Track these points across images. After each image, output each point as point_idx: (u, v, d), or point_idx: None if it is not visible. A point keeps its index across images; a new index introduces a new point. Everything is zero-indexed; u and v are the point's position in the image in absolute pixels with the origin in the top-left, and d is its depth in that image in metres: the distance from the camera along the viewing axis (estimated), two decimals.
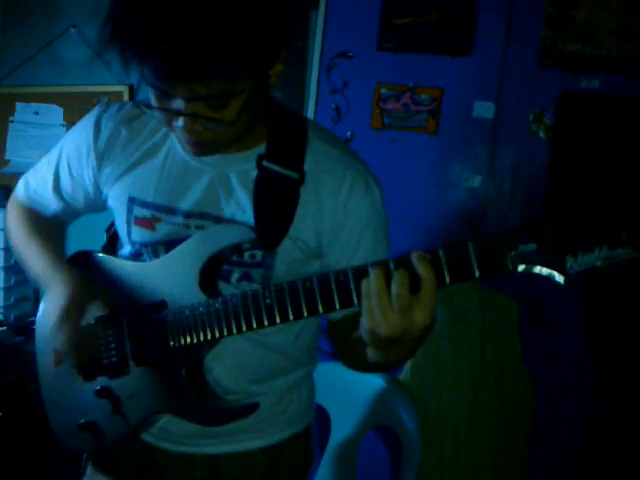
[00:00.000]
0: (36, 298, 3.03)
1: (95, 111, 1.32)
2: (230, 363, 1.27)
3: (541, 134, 2.49)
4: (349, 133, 2.64)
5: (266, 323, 1.09)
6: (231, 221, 1.20)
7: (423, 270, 0.92)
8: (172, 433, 1.31)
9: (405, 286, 0.91)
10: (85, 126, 1.31)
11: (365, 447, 2.35)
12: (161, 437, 1.32)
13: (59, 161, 1.36)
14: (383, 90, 2.62)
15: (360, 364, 1.16)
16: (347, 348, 1.20)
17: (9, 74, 2.99)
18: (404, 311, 0.92)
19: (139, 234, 1.27)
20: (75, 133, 1.34)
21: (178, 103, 1.03)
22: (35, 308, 3.04)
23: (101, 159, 1.28)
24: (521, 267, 0.91)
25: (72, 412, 1.28)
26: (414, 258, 0.93)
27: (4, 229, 1.46)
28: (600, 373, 2.44)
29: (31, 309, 2.98)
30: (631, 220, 0.87)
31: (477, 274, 0.93)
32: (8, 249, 2.80)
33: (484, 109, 2.54)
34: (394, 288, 0.92)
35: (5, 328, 2.74)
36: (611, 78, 2.40)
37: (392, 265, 0.96)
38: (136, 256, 1.31)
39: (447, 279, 0.94)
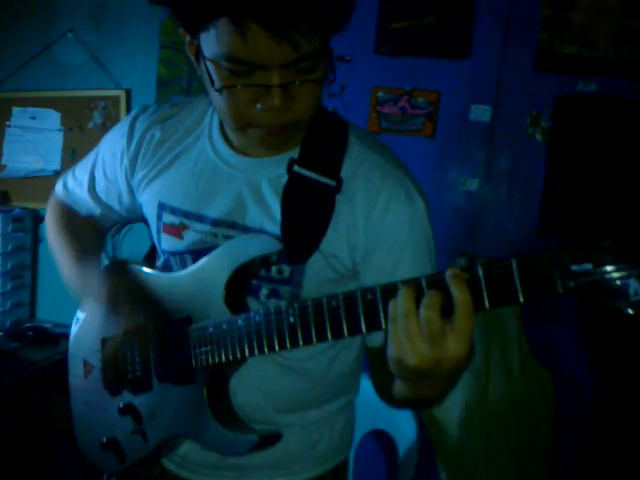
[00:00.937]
0: (32, 304, 3.02)
1: (133, 112, 1.26)
2: (255, 388, 1.18)
3: (538, 137, 2.49)
4: None
5: (288, 345, 0.98)
6: (258, 231, 1.11)
7: (458, 291, 0.79)
8: (192, 462, 1.23)
9: (435, 309, 0.79)
10: (121, 128, 1.26)
11: (361, 452, 2.33)
12: (181, 465, 1.25)
13: (95, 163, 1.31)
14: (380, 94, 2.62)
15: (391, 398, 1.05)
16: (380, 379, 1.10)
17: (6, 78, 2.99)
18: (434, 339, 0.79)
19: (167, 242, 1.21)
20: (112, 135, 1.29)
21: (274, 76, 0.93)
22: (31, 313, 3.06)
23: (134, 162, 1.23)
24: (574, 291, 0.76)
25: (97, 429, 1.24)
26: (448, 276, 0.80)
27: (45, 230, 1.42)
28: (598, 374, 2.43)
29: (27, 315, 2.98)
30: None
31: (521, 299, 0.78)
32: (4, 254, 2.80)
33: (481, 112, 2.53)
34: (422, 311, 0.80)
35: (1, 334, 2.73)
36: (608, 81, 2.40)
37: (424, 284, 0.83)
38: (166, 267, 1.24)
39: (487, 303, 0.80)
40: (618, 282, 0.74)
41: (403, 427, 2.12)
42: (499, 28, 2.51)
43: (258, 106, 0.97)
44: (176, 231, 1.18)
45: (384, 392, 1.09)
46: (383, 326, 0.88)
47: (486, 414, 2.39)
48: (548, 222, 2.48)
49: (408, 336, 0.81)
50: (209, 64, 0.97)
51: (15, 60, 2.98)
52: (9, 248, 2.83)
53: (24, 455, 2.42)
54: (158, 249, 1.26)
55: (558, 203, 2.45)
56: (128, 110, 2.90)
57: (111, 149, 1.27)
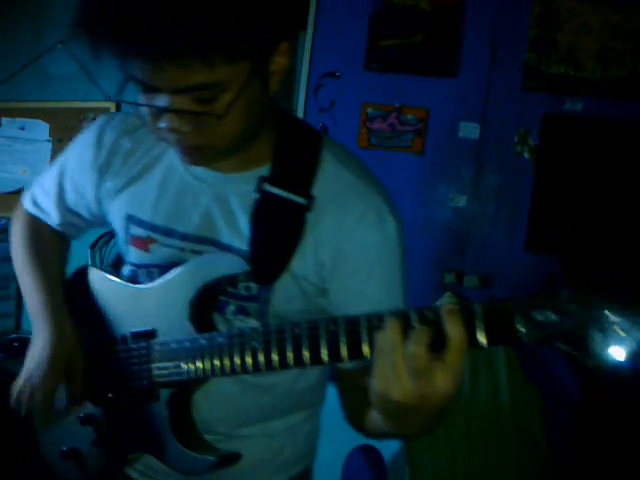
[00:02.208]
0: (17, 315, 2.99)
1: (99, 121, 1.22)
2: (219, 404, 1.16)
3: (525, 155, 2.52)
4: None
5: (250, 369, 0.96)
6: (227, 248, 1.08)
7: (453, 328, 0.76)
8: (155, 470, 1.21)
9: (423, 345, 0.76)
10: (87, 138, 1.22)
11: (349, 467, 2.33)
12: (145, 474, 1.24)
13: (62, 173, 1.27)
14: (370, 110, 2.64)
15: (365, 428, 1.02)
16: (353, 407, 1.07)
17: None
18: (420, 374, 0.76)
19: (135, 255, 1.18)
20: (78, 144, 1.25)
21: (163, 99, 0.91)
22: (16, 324, 3.02)
23: (102, 172, 1.19)
24: (537, 341, 0.76)
25: (58, 437, 1.22)
26: (444, 311, 0.78)
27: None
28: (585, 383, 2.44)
29: (12, 326, 2.95)
30: None
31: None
32: None
33: (469, 130, 2.56)
34: (410, 346, 0.76)
35: None
36: (594, 100, 2.44)
37: (415, 317, 0.81)
38: (132, 278, 1.21)
39: (483, 340, 0.77)
40: (582, 334, 0.74)
41: (390, 441, 2.13)
42: (487, 47, 2.55)
43: (160, 124, 0.96)
44: (143, 244, 1.16)
45: (355, 420, 1.07)
46: (345, 358, 0.86)
47: (469, 424, 2.40)
48: (535, 239, 2.51)
49: (394, 370, 0.78)
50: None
51: (4, 70, 2.97)
52: None
53: (7, 468, 2.39)
54: (125, 260, 1.24)
55: (545, 220, 2.48)
56: None
57: (78, 159, 1.23)
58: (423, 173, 2.60)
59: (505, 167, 2.55)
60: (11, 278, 2.94)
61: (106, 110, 2.88)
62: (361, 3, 2.59)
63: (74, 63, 2.89)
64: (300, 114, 2.70)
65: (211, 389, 1.12)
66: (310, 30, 2.67)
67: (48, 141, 2.95)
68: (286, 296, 1.08)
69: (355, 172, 1.09)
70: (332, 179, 1.07)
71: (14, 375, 1.33)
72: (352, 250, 1.05)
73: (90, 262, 1.41)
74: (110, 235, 1.42)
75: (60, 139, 2.94)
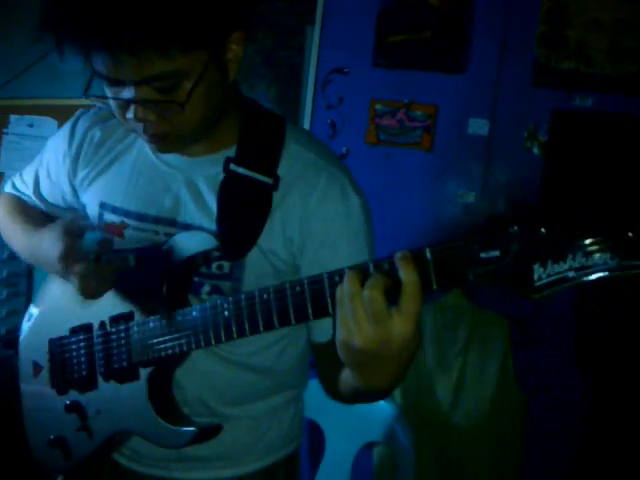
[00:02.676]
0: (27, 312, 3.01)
1: (75, 114, 1.30)
2: (201, 383, 1.21)
3: (535, 151, 2.51)
4: (344, 149, 2.64)
5: (224, 338, 1.02)
6: (198, 228, 1.14)
7: (405, 272, 0.80)
8: (142, 455, 1.26)
9: (378, 289, 0.79)
10: (63, 130, 1.29)
11: (358, 464, 2.33)
12: (132, 458, 1.28)
13: (40, 165, 1.35)
14: (378, 106, 2.63)
15: (339, 392, 1.06)
16: (328, 376, 1.11)
17: (3, 86, 2.99)
18: (378, 318, 0.79)
19: None
20: (55, 137, 1.32)
21: (128, 91, 0.98)
22: None
23: (75, 163, 1.25)
24: (482, 279, 0.79)
25: (45, 427, 1.26)
26: (397, 258, 0.81)
27: None
28: (590, 389, 2.44)
29: (22, 323, 2.96)
30: (612, 226, 0.75)
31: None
32: (1, 262, 2.79)
33: (479, 126, 2.55)
34: (366, 291, 0.80)
35: None
36: (604, 96, 2.42)
37: (371, 268, 0.84)
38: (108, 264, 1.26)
39: (434, 284, 0.82)
40: (523, 268, 0.77)
41: (399, 438, 2.13)
42: (496, 43, 2.53)
43: (127, 115, 1.02)
44: (117, 230, 1.20)
45: (332, 388, 1.10)
46: (310, 316, 0.91)
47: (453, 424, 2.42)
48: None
49: (354, 318, 0.81)
50: None
51: (12, 67, 2.97)
52: (4, 256, 2.81)
53: (16, 464, 2.40)
54: None
55: (555, 216, 2.47)
56: None
57: (54, 151, 1.30)
58: (432, 170, 2.59)
59: (514, 163, 2.53)
60: (21, 275, 2.95)
61: None
62: None
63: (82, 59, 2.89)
64: (308, 111, 2.69)
65: (193, 368, 1.16)
66: (318, 26, 2.66)
67: None
68: (258, 273, 1.13)
69: (318, 153, 1.16)
70: (296, 159, 1.13)
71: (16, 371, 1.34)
72: (318, 225, 1.11)
73: None
74: None
75: None
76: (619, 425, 2.40)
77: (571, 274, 0.75)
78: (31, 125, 2.98)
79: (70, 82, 2.94)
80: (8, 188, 1.43)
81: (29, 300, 3.01)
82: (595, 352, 2.43)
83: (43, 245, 1.19)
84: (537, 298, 0.77)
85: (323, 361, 1.17)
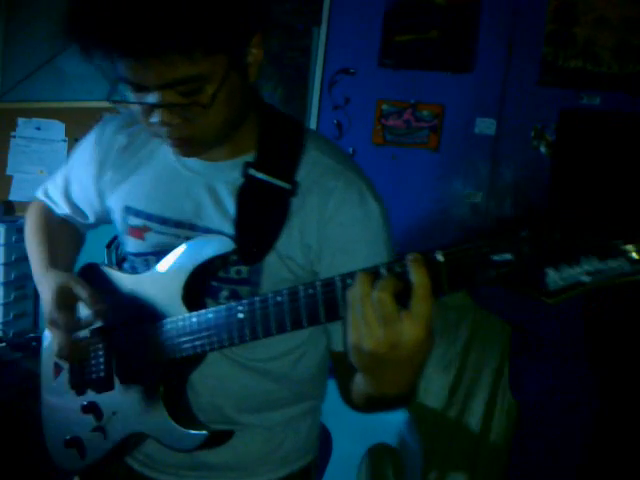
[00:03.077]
0: (35, 314, 3.02)
1: (104, 118, 1.31)
2: (217, 388, 1.20)
3: (542, 150, 2.50)
4: (351, 149, 2.64)
5: (237, 340, 1.02)
6: (217, 233, 1.14)
7: (416, 274, 0.79)
8: (155, 460, 1.26)
9: (388, 291, 0.79)
10: (91, 135, 1.30)
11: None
12: (145, 464, 1.28)
13: (70, 169, 1.36)
14: (385, 106, 2.63)
15: (353, 399, 1.05)
16: (346, 384, 1.09)
17: (11, 89, 3.00)
18: (388, 320, 0.78)
19: (132, 244, 1.24)
20: (83, 142, 1.34)
21: (152, 96, 0.98)
22: (34, 324, 3.05)
23: (101, 167, 1.27)
24: (494, 282, 0.78)
25: (61, 427, 1.27)
26: (408, 260, 0.80)
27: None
28: (603, 395, 2.43)
29: (30, 325, 2.97)
30: (627, 229, 0.73)
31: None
32: (8, 264, 2.80)
33: (485, 125, 2.54)
34: (375, 293, 0.79)
35: (4, 344, 2.72)
36: (612, 95, 2.41)
37: (383, 270, 0.84)
38: (131, 269, 1.27)
39: (445, 286, 0.81)
40: (536, 271, 0.75)
41: (407, 440, 2.12)
42: (503, 42, 2.52)
43: (151, 120, 1.02)
44: (139, 233, 1.22)
45: (349, 396, 1.09)
46: (323, 320, 0.91)
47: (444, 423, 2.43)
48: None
49: (364, 320, 0.80)
50: None
51: (20, 71, 2.99)
52: (12, 258, 2.83)
53: (25, 465, 2.41)
54: (125, 251, 1.29)
55: (562, 215, 2.46)
56: None
57: (81, 155, 1.32)
58: (439, 169, 2.58)
59: (522, 163, 2.52)
60: (29, 278, 2.96)
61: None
62: None
63: (89, 63, 2.90)
64: (314, 111, 2.69)
65: (208, 373, 1.17)
66: (324, 27, 2.66)
67: (64, 141, 2.97)
68: (276, 279, 1.12)
69: (337, 158, 1.15)
70: (315, 165, 1.13)
71: (33, 373, 1.36)
72: (336, 230, 1.10)
73: (106, 260, 1.46)
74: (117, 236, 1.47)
75: (76, 139, 2.96)
76: (627, 433, 2.39)
77: (586, 278, 0.73)
78: (38, 128, 2.99)
79: (77, 85, 2.96)
80: (41, 194, 1.44)
81: (37, 303, 3.03)
82: (605, 358, 2.42)
83: (43, 283, 1.23)
84: (551, 303, 0.75)
85: (341, 370, 1.15)
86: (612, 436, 2.42)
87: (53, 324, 1.16)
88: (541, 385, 2.49)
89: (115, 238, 1.51)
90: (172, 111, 1.00)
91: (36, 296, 3.02)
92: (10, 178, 3.02)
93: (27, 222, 1.42)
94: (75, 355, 1.17)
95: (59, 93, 2.98)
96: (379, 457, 2.26)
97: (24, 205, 3.00)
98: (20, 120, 3.00)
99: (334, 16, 2.65)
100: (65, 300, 1.16)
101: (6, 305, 2.83)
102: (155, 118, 1.01)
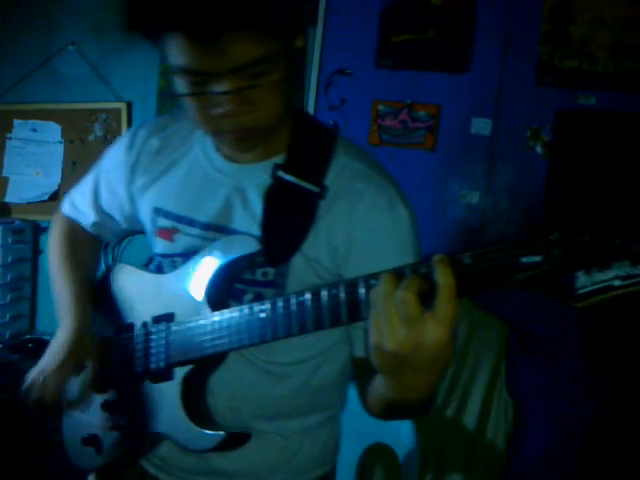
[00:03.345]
0: (32, 316, 3.01)
1: (135, 125, 1.34)
2: (235, 392, 1.19)
3: (538, 150, 2.50)
4: None
5: (258, 339, 1.02)
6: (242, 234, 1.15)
7: (441, 274, 0.77)
8: (170, 465, 1.26)
9: (412, 290, 0.78)
10: (123, 139, 1.31)
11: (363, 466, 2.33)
12: (160, 468, 1.28)
13: (98, 175, 1.36)
14: (381, 107, 2.63)
15: (372, 405, 1.05)
16: (365, 389, 1.08)
17: (7, 91, 3.00)
18: (411, 321, 0.77)
19: (160, 246, 1.25)
20: (115, 147, 1.34)
21: (219, 85, 0.97)
22: (30, 325, 3.04)
23: (133, 170, 1.27)
24: (522, 284, 0.77)
25: (80, 425, 1.27)
26: (434, 261, 0.79)
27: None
28: (601, 398, 2.43)
29: (27, 327, 2.96)
30: None
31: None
32: (4, 266, 2.79)
33: (482, 126, 2.54)
34: (399, 292, 0.78)
35: (0, 346, 2.72)
36: (608, 95, 2.41)
37: (408, 271, 0.83)
38: (158, 269, 1.28)
39: (471, 288, 0.80)
40: (565, 275, 0.75)
41: (404, 440, 2.12)
42: (499, 42, 2.53)
43: (216, 111, 1.00)
44: (168, 234, 1.22)
45: (365, 401, 1.09)
46: (345, 321, 0.91)
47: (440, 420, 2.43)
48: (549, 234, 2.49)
49: (387, 319, 0.79)
50: (174, 75, 1.01)
51: (16, 72, 2.98)
52: (9, 260, 2.82)
53: (21, 468, 2.41)
54: (153, 253, 1.30)
55: (559, 215, 2.46)
56: (129, 122, 2.90)
57: (113, 160, 1.32)
58: (435, 170, 2.59)
59: (518, 163, 2.53)
60: (26, 279, 2.96)
61: (117, 111, 2.89)
62: None
63: (85, 64, 2.90)
64: (311, 112, 2.69)
65: (227, 375, 1.16)
66: (320, 27, 2.66)
67: (60, 142, 2.97)
68: (301, 282, 1.11)
69: (367, 164, 1.15)
70: (344, 169, 1.12)
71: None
72: (364, 234, 1.09)
73: (104, 261, 1.46)
74: (122, 237, 1.47)
75: (72, 140, 2.96)
76: (625, 433, 2.39)
77: (617, 282, 0.72)
78: (34, 130, 2.99)
79: (73, 87, 2.95)
80: (66, 207, 1.44)
81: (33, 304, 3.02)
82: (602, 359, 2.43)
83: (62, 316, 1.27)
84: (580, 307, 0.74)
85: (363, 376, 1.13)
86: (609, 436, 2.41)
87: (51, 370, 1.19)
88: (538, 385, 2.49)
89: (110, 241, 1.52)
90: (239, 98, 0.98)
91: (33, 298, 3.02)
92: (6, 180, 3.02)
93: (51, 241, 1.41)
94: (101, 357, 1.21)
95: (55, 95, 2.97)
96: (376, 457, 2.26)
97: (20, 207, 3.00)
98: (16, 122, 3.00)
99: (330, 16, 2.64)
100: (74, 358, 1.20)
101: (2, 307, 2.82)
102: (221, 108, 0.99)
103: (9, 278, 2.84)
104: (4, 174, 3.02)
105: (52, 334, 1.31)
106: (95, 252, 1.43)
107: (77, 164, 2.95)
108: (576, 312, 0.74)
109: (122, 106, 2.89)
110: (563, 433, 2.51)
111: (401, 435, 2.13)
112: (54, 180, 2.97)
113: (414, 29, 2.56)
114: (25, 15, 3.00)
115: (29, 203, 2.99)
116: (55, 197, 2.94)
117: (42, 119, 2.98)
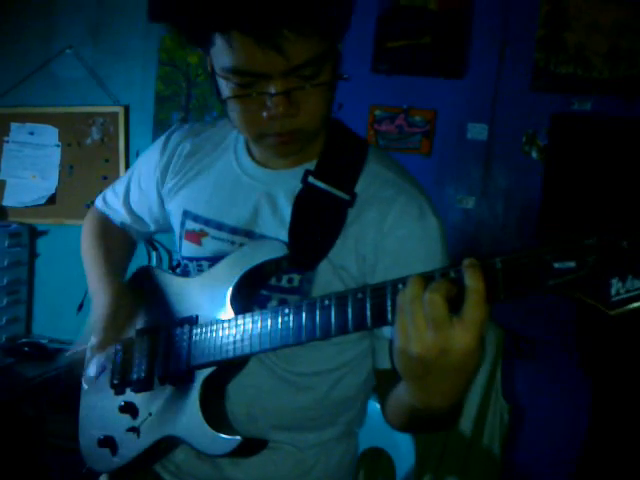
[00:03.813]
0: (28, 319, 3.01)
1: (171, 127, 1.34)
2: (252, 398, 1.18)
3: (534, 155, 2.51)
4: None
5: (278, 343, 1.00)
6: (270, 239, 1.14)
7: (471, 279, 0.75)
8: (184, 472, 1.24)
9: (440, 293, 0.75)
10: (158, 142, 1.32)
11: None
12: (175, 474, 1.26)
13: (131, 176, 1.39)
14: (377, 112, 2.64)
15: (395, 416, 1.03)
16: (387, 399, 1.06)
17: (5, 94, 3.00)
18: (438, 324, 0.75)
19: (187, 249, 1.24)
20: (150, 149, 1.36)
21: (273, 85, 0.97)
22: (27, 329, 3.05)
23: (165, 172, 1.29)
24: (555, 290, 0.74)
25: (96, 426, 1.27)
26: (464, 265, 0.77)
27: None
28: (596, 402, 2.44)
29: (23, 330, 2.96)
30: None
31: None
32: (1, 269, 2.80)
33: (478, 131, 2.55)
34: (427, 294, 0.76)
35: None
36: (603, 100, 2.42)
37: (437, 275, 0.81)
38: (184, 273, 1.27)
39: (502, 294, 0.77)
40: (600, 282, 0.72)
41: (401, 445, 2.12)
42: (495, 48, 2.54)
43: (264, 114, 1.00)
44: (196, 238, 1.23)
45: (389, 411, 1.07)
46: (369, 326, 0.88)
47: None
48: (545, 239, 2.50)
49: (413, 322, 0.77)
50: (218, 77, 1.02)
51: (14, 76, 2.99)
52: (5, 263, 2.82)
53: (19, 472, 2.40)
54: (179, 256, 1.30)
55: (555, 220, 2.47)
56: (126, 126, 2.91)
57: (147, 162, 1.34)
58: (431, 175, 2.59)
59: (514, 168, 2.54)
60: (22, 282, 2.96)
61: (115, 114, 2.89)
62: (368, 4, 2.59)
63: (83, 68, 2.91)
64: None
65: (246, 382, 1.15)
66: None
67: (57, 146, 2.97)
68: (326, 289, 1.09)
69: (398, 173, 1.14)
70: (375, 178, 1.12)
71: (25, 379, 1.35)
72: (393, 243, 1.08)
73: None
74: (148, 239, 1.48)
75: (69, 144, 2.96)
76: (621, 437, 2.40)
77: None
78: (32, 133, 2.99)
79: (70, 91, 2.96)
80: (99, 202, 1.47)
81: (30, 308, 3.02)
82: (598, 362, 2.43)
83: (96, 293, 1.27)
84: (613, 315, 0.72)
85: (385, 388, 1.10)
86: (605, 440, 2.42)
87: (97, 334, 1.19)
88: (533, 389, 2.50)
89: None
90: (288, 100, 0.98)
91: (29, 301, 3.02)
92: (3, 183, 3.02)
93: (84, 232, 1.43)
94: (121, 359, 1.22)
95: (52, 98, 2.98)
96: (372, 461, 2.26)
97: (17, 210, 3.01)
98: (13, 125, 3.00)
99: None
100: (112, 320, 1.20)
101: None
102: (270, 111, 0.99)
103: (5, 281, 2.84)
104: (1, 177, 3.02)
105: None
106: (126, 241, 1.45)
107: (74, 167, 2.96)
108: (613, 319, 0.72)
109: (119, 110, 2.89)
110: (559, 437, 2.52)
111: (397, 439, 2.13)
112: (51, 183, 2.97)
113: (410, 34, 2.57)
114: (23, 19, 3.00)
115: (26, 206, 2.99)
116: (52, 200, 2.95)
117: (39, 122, 2.99)
